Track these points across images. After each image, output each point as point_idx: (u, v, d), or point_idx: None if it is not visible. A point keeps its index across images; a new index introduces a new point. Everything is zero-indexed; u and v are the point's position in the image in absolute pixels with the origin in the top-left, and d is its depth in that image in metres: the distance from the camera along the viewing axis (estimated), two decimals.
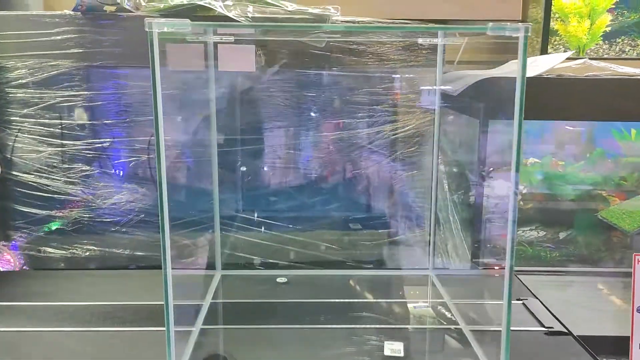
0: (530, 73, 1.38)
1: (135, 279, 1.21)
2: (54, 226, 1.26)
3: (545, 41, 1.56)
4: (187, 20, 0.70)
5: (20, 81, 1.19)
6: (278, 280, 1.17)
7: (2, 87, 1.19)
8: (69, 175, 1.23)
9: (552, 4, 1.56)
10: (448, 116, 1.46)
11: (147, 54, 1.19)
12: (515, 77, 1.35)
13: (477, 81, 1.35)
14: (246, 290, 1.14)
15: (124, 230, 1.26)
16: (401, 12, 1.36)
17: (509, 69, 1.58)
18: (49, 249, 1.26)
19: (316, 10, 1.13)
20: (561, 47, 1.62)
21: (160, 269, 1.25)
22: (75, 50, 1.17)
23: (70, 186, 1.23)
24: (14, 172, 1.23)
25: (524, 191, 1.95)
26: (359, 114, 1.33)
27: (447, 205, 1.46)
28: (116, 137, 1.23)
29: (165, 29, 0.69)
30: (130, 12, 1.15)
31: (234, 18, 1.09)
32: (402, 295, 1.12)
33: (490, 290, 1.17)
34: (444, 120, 1.42)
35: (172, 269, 1.25)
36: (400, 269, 1.31)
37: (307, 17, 1.11)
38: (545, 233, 1.86)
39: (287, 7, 1.12)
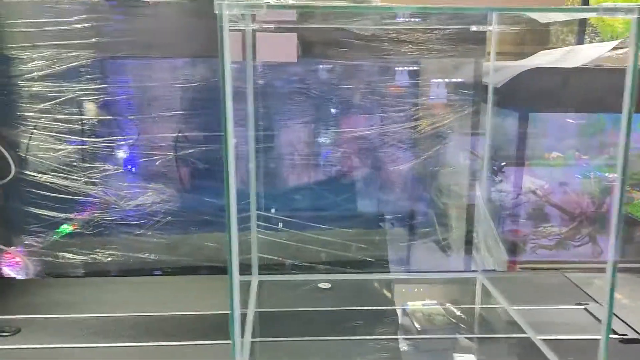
0: (572, 63, 1.31)
1: (162, 285, 1.13)
2: (72, 230, 1.17)
3: (582, 29, 1.50)
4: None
5: (36, 74, 1.09)
6: (320, 285, 1.09)
7: (16, 80, 1.09)
8: (89, 175, 1.14)
9: None
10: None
11: (177, 42, 1.13)
12: (562, 68, 1.30)
13: (520, 73, 1.28)
14: (288, 297, 1.06)
15: (150, 233, 1.17)
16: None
17: (541, 60, 1.51)
18: (68, 254, 1.17)
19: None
20: (595, 36, 1.56)
21: (189, 274, 1.18)
22: (97, 40, 1.08)
23: (91, 187, 1.14)
24: (29, 172, 1.13)
25: (546, 186, 1.89)
26: (394, 108, 1.26)
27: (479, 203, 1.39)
28: (141, 133, 1.13)
29: (236, 11, 0.60)
30: None
31: (273, 3, 1.00)
32: (455, 301, 1.05)
33: (545, 293, 1.10)
34: (480, 114, 1.35)
35: (206, 274, 1.18)
36: (444, 271, 1.24)
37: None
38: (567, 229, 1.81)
39: None
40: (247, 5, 0.61)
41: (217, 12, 0.59)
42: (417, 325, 0.94)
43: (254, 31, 1.00)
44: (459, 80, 1.30)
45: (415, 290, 1.12)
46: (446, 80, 1.32)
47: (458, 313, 0.99)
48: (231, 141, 0.65)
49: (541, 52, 1.56)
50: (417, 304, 1.01)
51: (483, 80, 1.29)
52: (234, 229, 0.67)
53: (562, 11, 1.06)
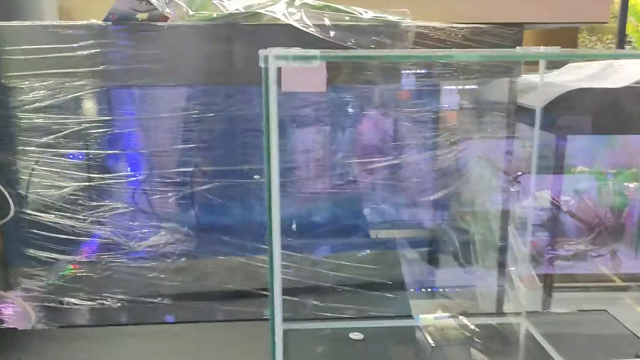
0: (618, 83, 1.22)
1: (179, 336, 1.03)
2: (78, 273, 1.07)
3: (622, 41, 1.40)
4: (316, 52, 0.52)
5: (38, 104, 0.99)
6: (351, 336, 0.99)
7: (16, 111, 0.99)
8: (96, 214, 1.04)
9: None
10: (519, 132, 1.30)
11: (192, 69, 1.03)
12: (609, 89, 1.20)
13: (561, 95, 1.18)
14: (317, 350, 0.96)
15: (163, 276, 1.07)
16: (472, 14, 1.18)
17: (571, 72, 1.42)
18: (73, 300, 1.07)
19: (395, 18, 0.95)
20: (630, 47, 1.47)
21: (208, 322, 1.08)
22: (105, 68, 0.98)
23: (98, 226, 1.04)
24: (30, 212, 1.03)
25: (571, 202, 1.80)
26: (425, 134, 1.16)
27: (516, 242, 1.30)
28: (154, 168, 1.04)
29: (288, 62, 0.51)
30: (173, 21, 0.96)
31: (303, 29, 0.91)
32: (503, 353, 0.95)
33: (600, 342, 1.01)
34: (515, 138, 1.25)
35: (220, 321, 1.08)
36: (484, 314, 1.14)
37: (389, 27, 0.93)
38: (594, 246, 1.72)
39: (361, 14, 0.94)
40: (300, 56, 0.52)
41: (262, 65, 0.50)
42: None
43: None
44: (493, 100, 1.21)
45: (453, 336, 1.03)
46: (478, 101, 1.22)
47: None
48: (276, 198, 0.55)
49: (572, 64, 1.46)
50: None
51: (519, 100, 1.20)
52: (277, 275, 0.58)
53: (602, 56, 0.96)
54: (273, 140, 0.52)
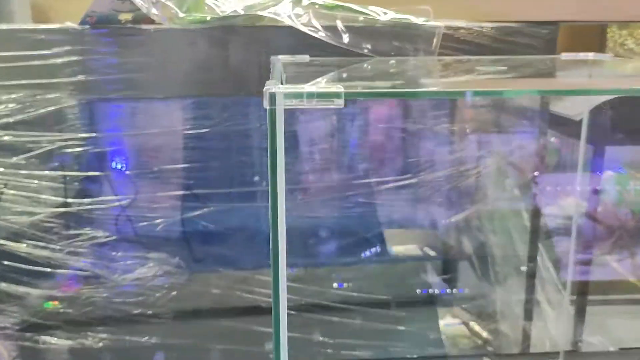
0: None
1: None
2: (55, 309, 0.94)
3: None
4: (339, 89, 0.40)
5: (6, 120, 0.86)
6: None
7: None
8: (74, 243, 0.91)
9: None
10: (552, 143, 1.17)
11: (184, 80, 0.90)
12: None
13: (600, 104, 1.05)
14: None
15: (150, 312, 0.94)
16: (500, 12, 1.05)
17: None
18: (50, 339, 0.95)
19: (419, 20, 0.82)
20: None
21: None
22: (82, 78, 0.85)
23: (76, 257, 0.92)
24: None
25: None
26: (448, 147, 1.04)
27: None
28: (139, 191, 0.91)
29: (302, 101, 0.39)
30: (159, 24, 0.83)
31: (311, 33, 0.78)
32: None
33: None
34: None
35: None
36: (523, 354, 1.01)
37: (411, 30, 0.80)
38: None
39: (379, 14, 0.81)
40: (318, 94, 0.40)
41: (267, 106, 0.38)
42: None
43: None
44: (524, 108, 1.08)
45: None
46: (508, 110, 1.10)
47: None
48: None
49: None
50: None
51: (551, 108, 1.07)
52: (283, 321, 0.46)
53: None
54: (280, 197, 0.40)
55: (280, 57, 0.80)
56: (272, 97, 0.39)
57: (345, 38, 0.81)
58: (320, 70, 0.78)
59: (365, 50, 0.81)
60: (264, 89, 0.39)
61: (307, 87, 0.40)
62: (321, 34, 0.79)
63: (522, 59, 0.89)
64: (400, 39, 0.83)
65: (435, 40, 0.83)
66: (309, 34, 0.80)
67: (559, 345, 1.06)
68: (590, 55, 0.81)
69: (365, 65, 0.80)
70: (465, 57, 0.86)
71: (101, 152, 0.89)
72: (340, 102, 0.40)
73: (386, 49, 0.82)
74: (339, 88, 0.40)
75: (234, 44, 0.85)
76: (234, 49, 0.85)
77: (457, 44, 0.91)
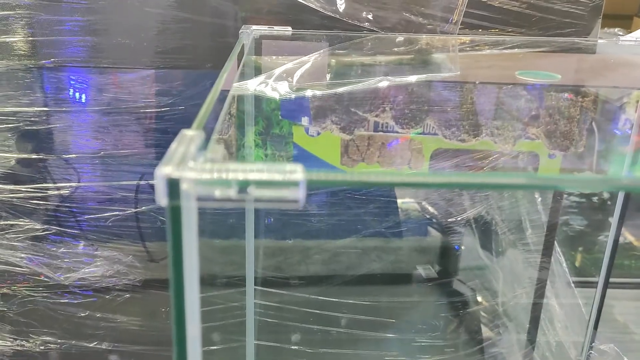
0: None
1: None
2: None
3: None
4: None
5: None
6: None
7: None
8: (7, 236, 0.76)
9: None
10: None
11: (137, 49, 0.72)
12: None
13: None
14: None
15: (99, 315, 0.81)
16: None
17: None
18: None
19: None
20: None
21: None
22: (23, 43, 0.67)
23: (11, 252, 0.77)
24: None
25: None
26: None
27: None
28: (84, 179, 0.75)
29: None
30: None
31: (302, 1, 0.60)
32: None
33: None
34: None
35: None
36: None
37: None
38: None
39: None
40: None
41: (163, 203, 0.22)
42: None
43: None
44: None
45: None
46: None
47: None
48: None
49: None
50: None
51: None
52: None
53: None
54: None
55: (254, 27, 0.62)
56: (173, 186, 0.23)
57: (341, 6, 0.63)
58: (297, 50, 0.61)
59: (366, 24, 0.64)
60: (155, 172, 0.23)
61: (232, 170, 0.24)
62: (312, 2, 0.61)
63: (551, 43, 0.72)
64: (409, 8, 0.65)
65: (456, 12, 0.66)
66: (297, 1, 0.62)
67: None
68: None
69: (358, 45, 0.63)
70: (491, 39, 0.68)
71: (42, 129, 0.73)
72: (296, 196, 0.24)
73: (392, 22, 0.65)
74: (293, 172, 0.24)
75: (203, 8, 0.68)
76: (201, 14, 0.68)
77: (482, 11, 0.73)
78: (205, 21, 0.68)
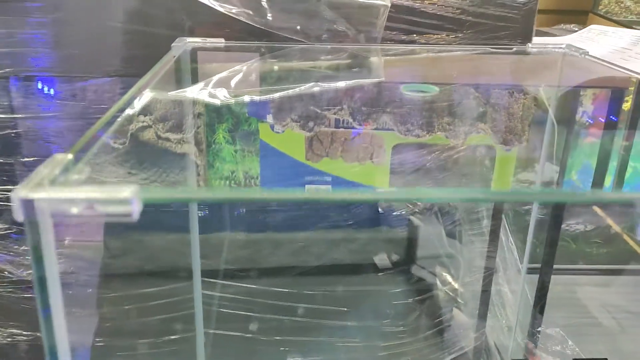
0: None
1: None
2: None
3: None
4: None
5: None
6: None
7: None
8: None
9: None
10: None
11: (80, 57, 0.75)
12: None
13: None
14: None
15: None
16: None
17: (593, 37, 1.13)
18: None
19: None
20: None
21: None
22: None
23: None
24: None
25: None
26: None
27: None
28: None
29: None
30: None
31: (224, 12, 0.64)
32: None
33: None
34: None
35: None
36: None
37: (351, 7, 0.67)
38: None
39: None
40: None
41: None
42: None
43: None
44: None
45: None
46: None
47: None
48: None
49: (592, 26, 1.17)
50: None
51: None
52: None
53: None
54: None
55: (187, 39, 0.67)
56: (28, 205, 0.28)
57: (269, 17, 0.67)
58: (230, 60, 0.65)
59: (294, 35, 0.68)
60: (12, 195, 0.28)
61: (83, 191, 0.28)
62: (234, 12, 0.65)
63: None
64: (335, 18, 0.70)
65: (379, 19, 0.70)
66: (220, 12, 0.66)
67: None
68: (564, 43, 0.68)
69: (289, 54, 0.67)
70: (413, 47, 0.72)
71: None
72: (129, 212, 0.28)
73: (318, 31, 0.69)
74: (124, 191, 0.28)
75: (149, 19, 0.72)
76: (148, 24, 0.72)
77: (413, 17, 0.77)
78: (153, 32, 0.72)
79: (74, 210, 0.28)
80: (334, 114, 0.98)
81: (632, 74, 0.53)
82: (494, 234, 0.99)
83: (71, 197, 0.28)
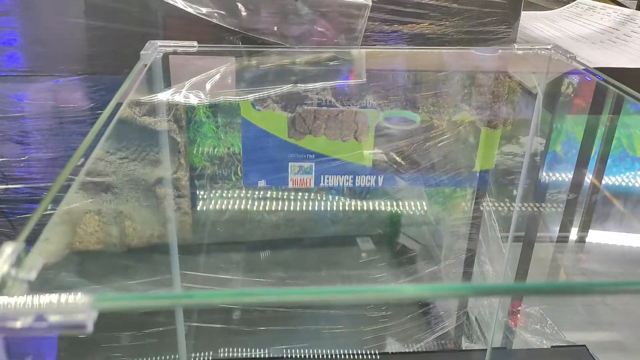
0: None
1: None
2: None
3: None
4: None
5: None
6: None
7: None
8: None
9: None
10: None
11: (50, 54, 0.71)
12: None
13: None
14: None
15: None
16: None
17: (581, 13, 1.10)
18: None
19: None
20: None
21: None
22: None
23: None
24: None
25: None
26: None
27: None
28: (12, 182, 0.78)
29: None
30: None
31: (195, 14, 0.61)
32: None
33: None
34: None
35: None
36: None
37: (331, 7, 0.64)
38: None
39: None
40: None
41: None
42: None
43: None
44: None
45: None
46: None
47: None
48: None
49: (577, 1, 1.12)
50: None
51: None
52: None
53: None
54: None
55: (159, 43, 0.64)
56: None
57: (245, 19, 0.64)
58: (204, 64, 0.62)
59: (270, 37, 0.65)
60: None
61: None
62: (205, 12, 0.62)
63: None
64: (314, 18, 0.66)
65: (360, 21, 0.67)
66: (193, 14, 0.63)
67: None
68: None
69: (267, 56, 0.64)
70: (396, 51, 0.69)
71: None
72: (83, 323, 0.27)
73: (296, 32, 0.66)
74: (77, 304, 0.26)
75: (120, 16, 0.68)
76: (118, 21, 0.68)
77: (395, 6, 0.74)
78: (122, 29, 0.69)
79: (19, 324, 0.27)
80: (317, 94, 0.95)
81: (617, 90, 0.51)
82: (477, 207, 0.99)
83: (18, 308, 0.26)
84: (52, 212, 0.35)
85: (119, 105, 0.51)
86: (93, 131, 0.44)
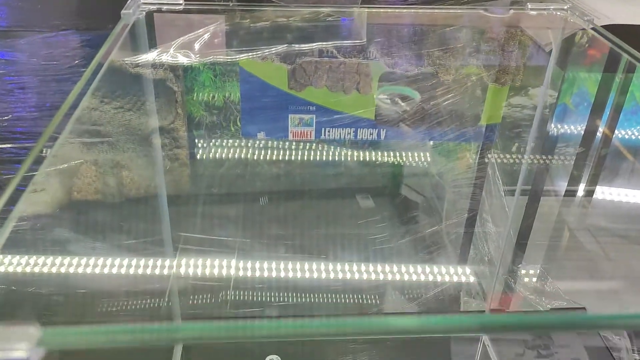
0: None
1: None
2: None
3: None
4: None
5: None
6: None
7: None
8: None
9: None
10: None
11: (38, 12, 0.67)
12: None
13: None
14: None
15: None
16: None
17: None
18: None
19: None
20: None
21: None
22: None
23: None
24: None
25: None
26: None
27: None
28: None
29: None
30: None
31: None
32: None
33: None
34: None
35: None
36: None
37: None
38: None
39: None
40: None
41: None
42: None
43: None
44: None
45: None
46: None
47: None
48: None
49: None
50: None
51: None
52: None
53: None
54: None
55: (141, 1, 0.59)
56: None
57: None
58: (191, 22, 0.58)
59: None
60: None
61: None
62: None
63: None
64: None
65: None
66: None
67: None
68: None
69: (262, 15, 0.60)
70: (401, 11, 0.65)
71: None
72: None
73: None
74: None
75: None
76: None
77: None
78: None
79: None
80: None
81: (630, 57, 0.47)
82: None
83: None
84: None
85: (100, 66, 0.47)
86: (74, 92, 0.41)
